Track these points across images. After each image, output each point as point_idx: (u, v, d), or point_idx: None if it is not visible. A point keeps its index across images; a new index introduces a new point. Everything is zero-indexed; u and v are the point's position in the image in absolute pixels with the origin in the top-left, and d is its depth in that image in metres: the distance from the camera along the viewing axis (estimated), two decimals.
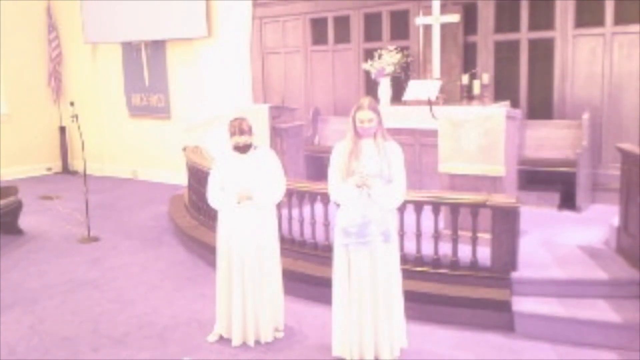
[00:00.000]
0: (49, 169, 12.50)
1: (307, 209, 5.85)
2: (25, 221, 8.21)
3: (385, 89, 8.02)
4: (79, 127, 7.87)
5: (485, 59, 7.77)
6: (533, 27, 7.49)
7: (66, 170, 12.57)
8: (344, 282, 4.22)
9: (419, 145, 7.20)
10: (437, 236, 5.19)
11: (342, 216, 4.21)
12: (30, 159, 12.16)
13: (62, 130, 12.43)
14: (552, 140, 7.18)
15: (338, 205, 4.33)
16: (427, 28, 7.88)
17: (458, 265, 5.14)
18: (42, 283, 6.26)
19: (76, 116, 7.72)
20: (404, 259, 5.04)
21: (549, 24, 7.38)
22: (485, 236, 5.11)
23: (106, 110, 12.04)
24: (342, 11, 8.91)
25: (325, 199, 5.27)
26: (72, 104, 7.90)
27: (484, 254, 5.05)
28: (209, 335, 4.87)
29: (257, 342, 4.70)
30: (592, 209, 6.88)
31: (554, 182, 7.13)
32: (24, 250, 7.40)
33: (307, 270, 5.61)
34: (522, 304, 4.80)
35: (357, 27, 8.81)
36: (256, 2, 9.70)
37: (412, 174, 6.40)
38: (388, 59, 8.04)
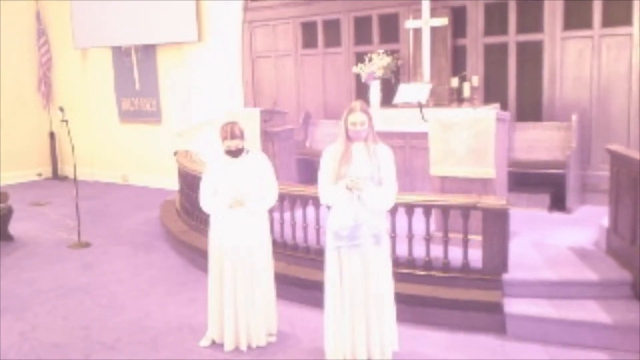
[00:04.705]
0: (39, 175, 12.45)
1: (299, 213, 5.85)
2: (15, 227, 8.16)
3: (375, 92, 8.06)
4: (69, 132, 7.85)
5: (475, 61, 7.82)
6: (522, 29, 7.55)
7: (56, 175, 12.52)
8: (335, 285, 4.22)
9: (409, 147, 7.23)
10: (428, 238, 5.21)
11: (333, 219, 4.21)
12: (20, 164, 12.10)
13: (52, 135, 12.38)
14: (541, 142, 7.22)
15: (329, 208, 4.34)
16: (417, 31, 7.92)
17: (449, 267, 5.16)
18: (33, 289, 6.23)
19: (66, 121, 7.70)
20: (396, 262, 5.05)
21: (537, 27, 7.43)
22: (476, 238, 5.13)
23: (96, 115, 12.00)
24: (332, 15, 8.93)
25: (317, 202, 5.28)
26: (61, 109, 7.87)
27: (475, 255, 5.06)
28: (201, 340, 4.86)
29: (250, 347, 4.70)
30: (581, 210, 6.93)
31: (544, 184, 7.17)
32: (14, 256, 7.36)
33: (300, 274, 5.62)
34: (513, 306, 4.82)
35: (347, 31, 8.84)
36: (246, 7, 9.71)
37: (403, 177, 6.42)
38: (378, 62, 8.07)
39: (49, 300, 5.91)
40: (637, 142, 6.85)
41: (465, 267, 5.11)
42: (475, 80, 7.51)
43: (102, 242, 7.82)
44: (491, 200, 5.10)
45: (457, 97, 7.62)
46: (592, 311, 4.66)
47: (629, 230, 4.90)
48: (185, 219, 7.58)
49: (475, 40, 7.81)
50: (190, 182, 7.22)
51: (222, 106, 9.44)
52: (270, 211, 5.08)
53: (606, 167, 5.64)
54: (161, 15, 10.34)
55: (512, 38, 7.59)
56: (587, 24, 7.14)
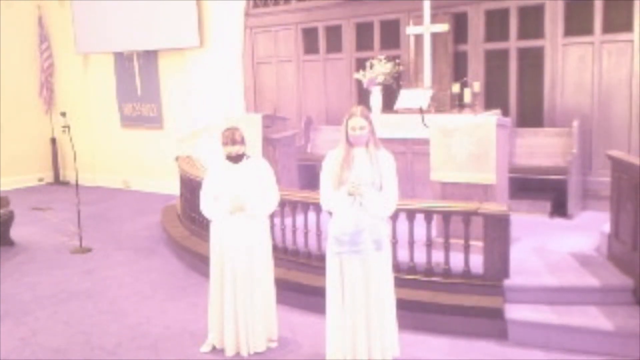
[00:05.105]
0: (41, 180, 12.47)
1: (300, 218, 5.85)
2: (17, 232, 8.17)
3: (376, 98, 8.06)
4: (70, 138, 7.86)
5: (476, 67, 7.83)
6: (523, 35, 7.56)
7: (58, 180, 12.53)
8: (337, 290, 4.22)
9: (410, 153, 7.23)
10: (429, 244, 5.21)
11: (334, 225, 4.22)
12: (21, 169, 12.11)
13: (54, 140, 12.40)
14: (542, 148, 7.23)
15: (331, 214, 4.34)
16: (418, 37, 7.93)
17: (450, 273, 5.15)
18: (34, 294, 6.23)
19: (68, 127, 7.72)
20: (397, 267, 5.05)
21: (538, 33, 7.45)
22: (477, 244, 5.12)
23: (98, 120, 12.02)
24: (333, 21, 8.95)
25: (318, 207, 5.28)
26: (63, 114, 7.88)
27: (476, 261, 5.06)
28: (202, 345, 4.85)
29: (250, 352, 4.69)
30: (583, 216, 6.92)
31: (545, 190, 7.17)
32: (15, 261, 7.36)
33: (301, 279, 5.62)
34: (514, 312, 4.82)
35: (348, 37, 8.86)
36: (248, 12, 9.74)
37: (404, 182, 6.42)
38: (379, 68, 8.08)
39: (50, 305, 5.91)
40: (638, 148, 6.85)
41: (466, 273, 5.10)
42: (477, 86, 7.52)
43: (103, 247, 7.82)
44: (492, 206, 5.10)
45: (458, 103, 7.62)
46: (593, 317, 4.65)
47: (630, 236, 4.89)
48: (187, 224, 7.59)
49: (476, 46, 7.83)
50: (191, 187, 7.23)
51: (223, 112, 9.47)
52: (271, 216, 5.08)
53: (607, 173, 5.64)
54: (163, 21, 10.38)
55: (513, 44, 7.61)
56: (588, 30, 7.15)
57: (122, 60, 11.36)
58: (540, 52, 7.47)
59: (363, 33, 8.78)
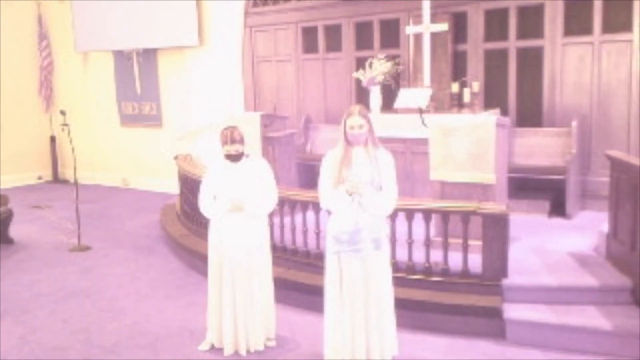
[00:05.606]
0: (40, 178, 12.47)
1: (298, 217, 5.86)
2: (16, 230, 8.18)
3: (376, 97, 8.06)
4: (69, 136, 7.86)
5: (475, 67, 7.83)
6: (522, 35, 7.56)
7: (57, 179, 12.53)
8: (335, 289, 4.22)
9: (410, 153, 7.24)
10: (428, 244, 5.21)
11: (333, 224, 4.22)
12: (20, 167, 12.11)
13: (53, 139, 12.39)
14: (541, 148, 7.23)
15: (330, 212, 4.34)
16: (418, 37, 7.93)
17: (449, 272, 5.16)
18: (33, 292, 6.23)
19: (67, 125, 7.72)
20: (396, 267, 5.06)
21: (538, 33, 7.45)
22: (476, 243, 5.13)
23: (97, 118, 12.02)
24: (333, 20, 8.95)
25: (317, 207, 5.29)
26: (62, 112, 7.88)
27: (475, 261, 5.07)
28: (201, 344, 4.86)
29: (249, 351, 4.70)
30: (581, 216, 6.93)
31: (544, 190, 7.18)
32: (14, 259, 7.37)
33: (299, 278, 5.62)
34: (512, 311, 4.82)
35: (348, 36, 8.86)
36: (248, 11, 9.74)
37: (404, 182, 6.43)
38: (379, 67, 8.08)
39: (49, 304, 5.91)
40: (637, 148, 6.86)
41: (465, 272, 5.11)
42: (476, 85, 7.52)
43: (102, 245, 7.82)
44: (491, 206, 5.10)
45: (457, 103, 7.62)
46: (591, 317, 4.66)
47: (629, 236, 4.90)
48: (186, 223, 7.59)
49: (476, 46, 7.83)
50: (190, 186, 7.23)
51: (222, 110, 9.47)
52: (270, 215, 5.08)
53: (606, 173, 5.63)
54: (162, 20, 10.38)
55: (513, 44, 7.61)
56: (587, 30, 7.15)
57: (122, 58, 11.35)
58: (539, 52, 7.47)
59: (363, 32, 8.78)
